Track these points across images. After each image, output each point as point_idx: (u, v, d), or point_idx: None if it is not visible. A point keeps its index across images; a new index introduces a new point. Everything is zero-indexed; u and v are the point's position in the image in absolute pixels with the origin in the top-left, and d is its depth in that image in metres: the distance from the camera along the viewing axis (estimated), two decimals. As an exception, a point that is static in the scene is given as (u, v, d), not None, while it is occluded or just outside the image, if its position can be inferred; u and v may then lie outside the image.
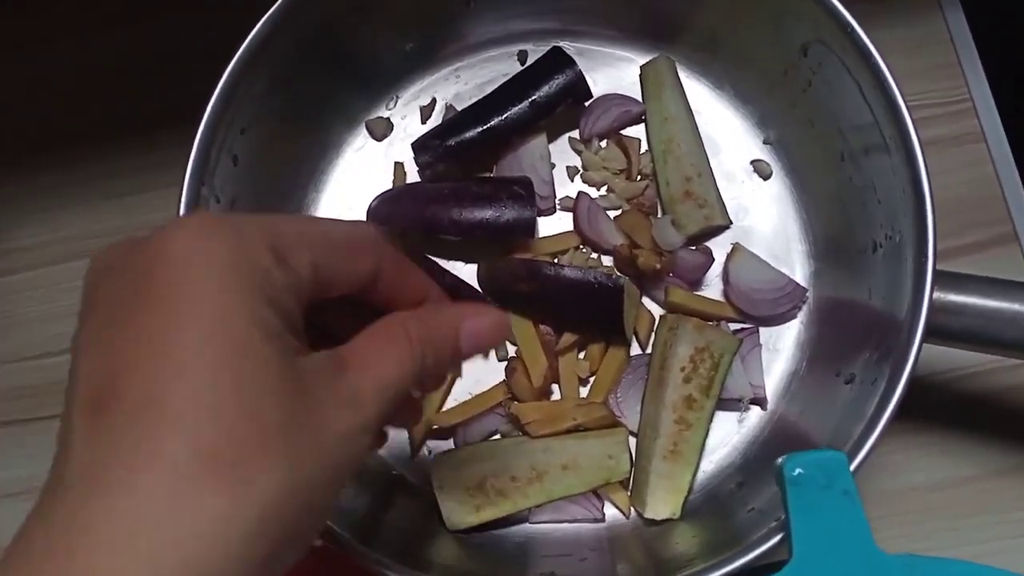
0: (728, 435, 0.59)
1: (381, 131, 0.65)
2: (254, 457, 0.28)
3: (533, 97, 0.61)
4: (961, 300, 0.48)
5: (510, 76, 0.64)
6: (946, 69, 0.67)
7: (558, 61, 0.62)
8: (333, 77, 0.62)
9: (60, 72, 0.73)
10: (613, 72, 0.64)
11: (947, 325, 0.48)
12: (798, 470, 0.42)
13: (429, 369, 0.35)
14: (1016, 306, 0.48)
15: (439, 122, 0.65)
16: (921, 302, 0.48)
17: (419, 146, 0.63)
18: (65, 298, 0.69)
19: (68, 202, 0.70)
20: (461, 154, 0.61)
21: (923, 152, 0.50)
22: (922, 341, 0.47)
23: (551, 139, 0.64)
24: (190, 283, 0.29)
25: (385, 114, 0.66)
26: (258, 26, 0.55)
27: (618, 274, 0.59)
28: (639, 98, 0.64)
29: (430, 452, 0.60)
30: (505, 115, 0.61)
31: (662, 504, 0.55)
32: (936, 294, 0.48)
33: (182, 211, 0.54)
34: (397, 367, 0.34)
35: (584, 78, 0.61)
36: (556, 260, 0.61)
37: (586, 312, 0.58)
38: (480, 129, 0.61)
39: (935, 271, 0.48)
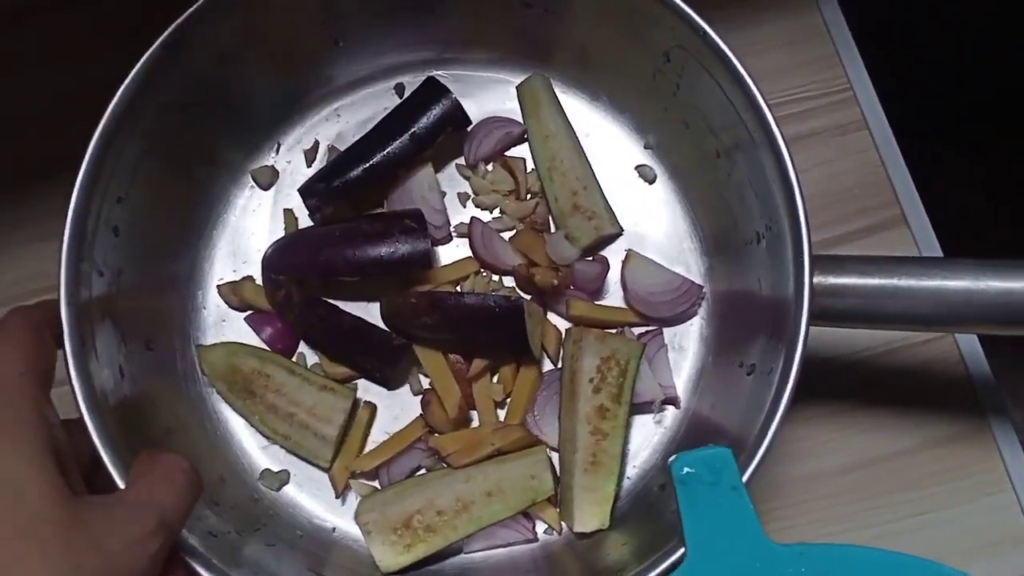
0: (647, 437, 0.60)
1: (267, 180, 0.64)
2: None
3: (413, 130, 0.61)
4: (841, 282, 0.50)
5: (389, 110, 0.64)
6: (825, 60, 0.69)
7: (433, 91, 0.62)
8: (210, 131, 0.62)
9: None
10: (491, 95, 0.65)
11: (831, 307, 0.50)
12: (686, 469, 0.43)
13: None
14: (894, 280, 0.50)
15: (324, 164, 0.64)
16: (802, 287, 0.49)
17: (306, 191, 0.62)
18: None
19: None
20: (349, 194, 0.61)
21: (787, 144, 0.51)
22: (808, 325, 0.49)
23: (438, 168, 0.64)
24: None
25: (269, 162, 0.65)
26: (121, 89, 0.53)
27: (519, 294, 0.60)
28: (519, 118, 0.64)
29: (357, 497, 0.59)
30: (387, 150, 0.61)
31: (589, 516, 0.56)
32: (817, 278, 0.50)
33: (62, 289, 0.52)
34: (164, 488, 0.43)
35: (460, 106, 0.61)
36: (458, 287, 0.61)
37: (491, 336, 0.58)
38: (364, 167, 0.61)
39: (812, 256, 0.49)
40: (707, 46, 0.52)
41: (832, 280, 0.50)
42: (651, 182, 0.63)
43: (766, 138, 0.51)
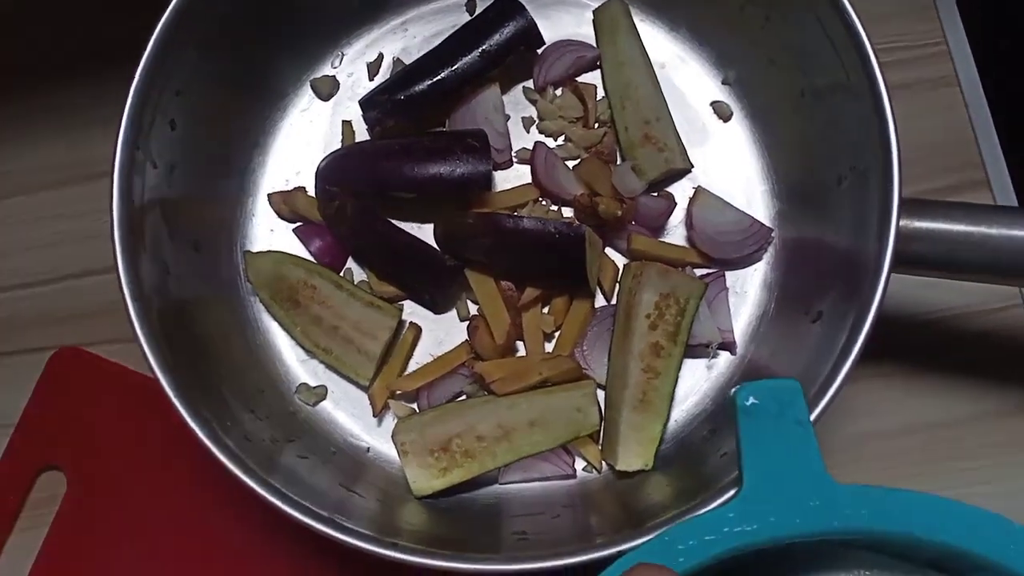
0: (697, 383, 0.58)
1: (327, 90, 0.63)
2: None
3: (483, 47, 0.59)
4: (928, 226, 0.47)
5: (458, 27, 0.61)
6: (921, 12, 0.65)
7: (508, 8, 0.59)
8: (275, 35, 0.60)
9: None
10: (565, 18, 0.62)
11: (915, 252, 0.47)
12: (751, 399, 0.41)
13: None
14: (983, 228, 0.47)
15: (387, 78, 0.62)
16: (888, 228, 0.46)
17: (367, 103, 0.60)
18: (13, 232, 0.67)
19: (9, 131, 0.68)
20: (411, 109, 0.59)
21: (885, 80, 0.48)
22: (890, 269, 0.46)
23: (505, 89, 0.62)
24: None
25: (331, 72, 0.63)
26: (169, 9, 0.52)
27: (579, 223, 0.57)
28: (593, 43, 0.62)
29: (395, 418, 0.58)
30: (455, 66, 0.59)
31: (634, 456, 0.54)
32: (903, 221, 0.47)
33: (115, 175, 0.51)
34: None
35: (535, 24, 0.59)
36: (515, 213, 0.59)
37: (548, 264, 0.56)
38: (430, 82, 0.59)
39: (901, 197, 0.47)
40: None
41: (917, 223, 0.47)
42: (726, 120, 0.60)
43: (866, 77, 0.49)
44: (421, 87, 0.59)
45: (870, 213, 0.48)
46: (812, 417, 0.45)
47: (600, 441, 0.56)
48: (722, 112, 0.60)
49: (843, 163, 0.52)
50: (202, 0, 0.54)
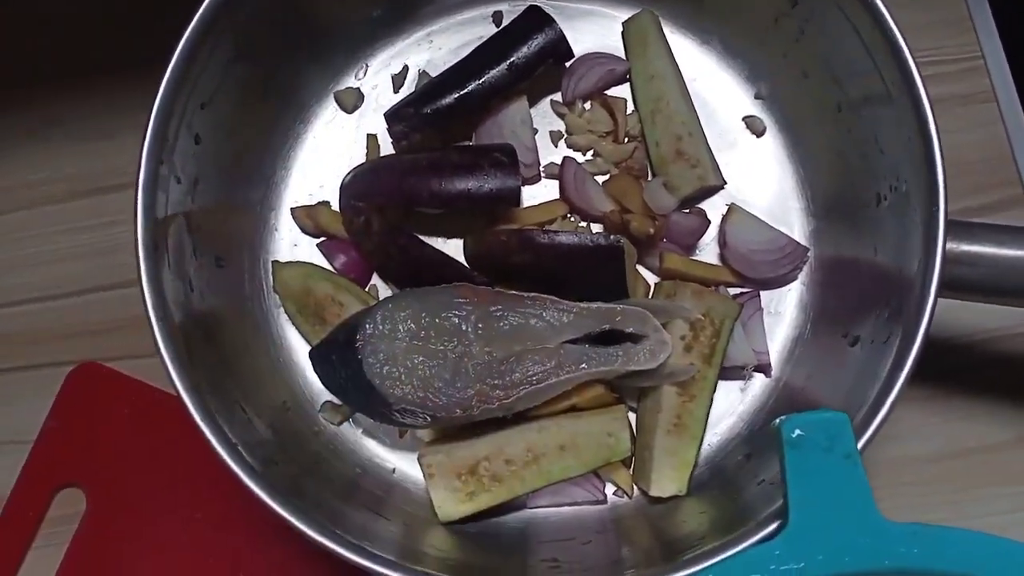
0: (732, 405, 0.56)
1: (351, 102, 0.62)
2: None
3: (512, 59, 0.57)
4: (975, 250, 0.46)
5: (485, 39, 0.60)
6: (957, 25, 0.64)
7: (536, 20, 0.58)
8: (298, 46, 0.59)
9: (32, 14, 0.69)
10: (594, 30, 0.61)
11: (962, 276, 0.46)
12: (797, 431, 0.40)
13: None
14: (1033, 253, 0.45)
15: (412, 90, 0.61)
16: (934, 253, 0.45)
17: (393, 116, 0.59)
18: (31, 245, 0.66)
19: (25, 143, 0.67)
20: (438, 122, 0.58)
21: (928, 95, 0.47)
22: (937, 294, 0.45)
23: (532, 103, 0.60)
24: None
25: (355, 84, 0.62)
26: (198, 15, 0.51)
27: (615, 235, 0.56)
28: (623, 56, 0.60)
29: (420, 438, 0.56)
30: (483, 79, 0.57)
31: (667, 480, 0.53)
32: (949, 244, 0.45)
33: (139, 194, 0.50)
34: None
35: (564, 37, 0.58)
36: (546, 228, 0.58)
37: (586, 279, 0.54)
38: (457, 95, 0.57)
39: (947, 220, 0.45)
40: (851, -11, 0.48)
41: (964, 247, 0.46)
42: (759, 135, 0.59)
43: (907, 89, 0.47)
44: (448, 100, 0.58)
45: (913, 234, 0.47)
46: (860, 442, 0.44)
47: (632, 466, 0.55)
48: (755, 127, 0.59)
49: (883, 181, 0.51)
50: (226, 12, 0.52)
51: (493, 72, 0.57)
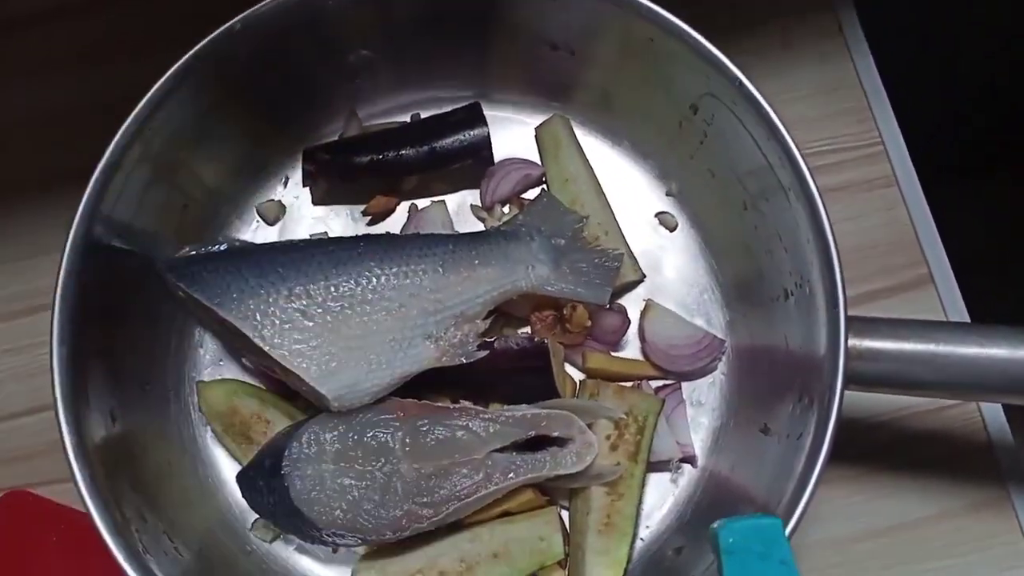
0: (663, 496, 0.57)
1: (273, 215, 0.62)
2: None
3: (435, 144, 0.59)
4: (876, 346, 0.48)
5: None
6: (857, 113, 0.66)
7: (471, 118, 0.60)
8: (217, 160, 0.60)
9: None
10: (509, 135, 0.63)
11: (865, 372, 0.48)
12: (732, 538, 0.41)
13: None
14: (931, 346, 0.48)
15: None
16: (837, 350, 0.47)
17: (308, 154, 0.61)
18: None
19: None
20: (346, 175, 0.60)
21: (823, 200, 0.49)
22: (842, 393, 0.46)
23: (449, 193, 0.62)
24: None
25: (276, 196, 0.63)
26: (131, 117, 0.52)
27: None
28: (538, 160, 0.62)
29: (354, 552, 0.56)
30: (401, 151, 0.59)
31: (601, 581, 0.53)
32: (851, 341, 0.47)
33: (55, 326, 0.49)
34: None
35: (490, 143, 0.60)
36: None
37: (514, 381, 0.55)
38: (370, 158, 0.59)
39: (847, 319, 0.47)
40: (741, 95, 0.51)
41: (866, 343, 0.48)
42: (672, 230, 0.61)
43: (801, 191, 0.50)
44: (360, 160, 0.60)
45: (818, 331, 0.49)
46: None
47: (567, 567, 0.55)
48: (668, 223, 0.61)
49: (788, 277, 0.53)
50: (144, 137, 0.53)
51: (413, 149, 0.59)
